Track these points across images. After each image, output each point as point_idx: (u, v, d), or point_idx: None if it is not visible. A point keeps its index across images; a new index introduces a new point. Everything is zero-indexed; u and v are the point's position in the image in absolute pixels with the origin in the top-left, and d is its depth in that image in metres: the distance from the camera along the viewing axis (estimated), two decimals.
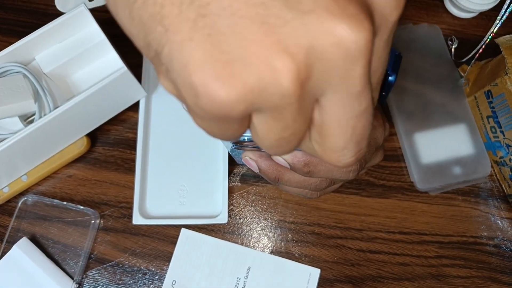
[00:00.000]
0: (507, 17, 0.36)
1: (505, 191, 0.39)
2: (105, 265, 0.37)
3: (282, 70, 0.12)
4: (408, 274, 0.37)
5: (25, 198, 0.38)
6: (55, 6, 0.45)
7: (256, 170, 0.26)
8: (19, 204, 0.38)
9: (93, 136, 0.40)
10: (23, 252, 0.36)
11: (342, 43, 0.12)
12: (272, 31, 0.12)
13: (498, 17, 0.34)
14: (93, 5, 0.45)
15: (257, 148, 0.25)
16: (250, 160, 0.26)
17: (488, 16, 0.44)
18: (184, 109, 0.15)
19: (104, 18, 0.38)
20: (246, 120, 0.14)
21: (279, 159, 0.25)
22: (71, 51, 0.38)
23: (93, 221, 0.38)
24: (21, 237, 0.37)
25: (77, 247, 0.38)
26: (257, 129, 0.15)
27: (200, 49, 0.12)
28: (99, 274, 0.37)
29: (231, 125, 0.14)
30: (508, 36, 0.35)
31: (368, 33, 0.12)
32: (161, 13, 0.12)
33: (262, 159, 0.25)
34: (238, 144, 0.25)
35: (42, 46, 0.38)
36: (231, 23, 0.12)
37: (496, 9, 0.38)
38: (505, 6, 0.33)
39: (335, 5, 0.12)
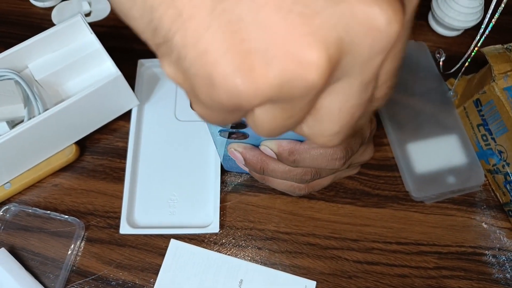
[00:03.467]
0: (490, 31, 0.38)
1: (500, 200, 0.38)
2: (87, 279, 0.35)
3: (311, 65, 0.11)
4: (407, 286, 0.35)
5: (7, 207, 0.37)
6: (50, 20, 0.46)
7: (241, 161, 0.26)
8: (0, 213, 0.36)
9: (82, 145, 0.39)
10: None
11: (376, 33, 0.11)
12: (300, 21, 0.11)
13: (482, 26, 0.35)
14: (89, 20, 0.46)
15: (243, 136, 0.25)
16: (235, 151, 0.25)
17: (472, 34, 0.46)
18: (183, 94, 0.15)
19: (100, 32, 0.39)
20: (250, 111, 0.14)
21: (266, 149, 0.24)
22: (65, 60, 0.38)
23: (77, 232, 0.36)
24: None
25: (58, 259, 0.35)
26: (259, 118, 0.14)
27: (219, 38, 0.11)
28: None
29: (236, 115, 0.14)
30: (492, 46, 0.36)
31: (401, 23, 0.11)
32: None
33: (247, 150, 0.25)
34: (225, 132, 0.24)
35: (36, 54, 0.38)
36: (254, 10, 0.11)
37: (479, 27, 0.40)
38: (488, 16, 0.35)
39: None
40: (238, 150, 0.25)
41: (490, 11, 0.34)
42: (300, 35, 0.11)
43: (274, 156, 0.24)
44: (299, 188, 0.28)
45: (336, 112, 0.14)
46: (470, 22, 0.43)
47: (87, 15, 0.46)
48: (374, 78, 0.13)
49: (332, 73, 0.12)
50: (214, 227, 0.35)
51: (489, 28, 0.37)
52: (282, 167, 0.25)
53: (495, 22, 0.38)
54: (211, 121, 0.15)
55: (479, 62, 0.38)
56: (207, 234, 0.36)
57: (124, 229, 0.35)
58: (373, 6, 0.11)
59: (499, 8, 0.36)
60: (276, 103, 0.13)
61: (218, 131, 0.25)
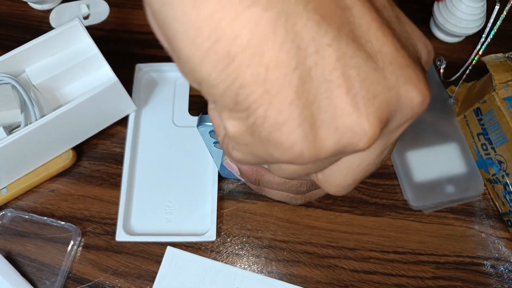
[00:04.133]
0: (492, 39, 0.37)
1: (499, 209, 0.38)
2: (83, 285, 0.35)
3: (364, 135, 0.13)
4: None
5: (3, 212, 0.36)
6: (49, 23, 0.45)
7: (237, 172, 0.26)
8: None
9: (80, 150, 0.39)
10: None
11: (413, 110, 0.14)
12: (363, 102, 0.13)
13: (483, 35, 0.34)
14: (88, 23, 0.46)
15: None
16: (231, 162, 0.25)
17: (473, 41, 0.45)
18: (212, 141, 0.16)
19: (98, 35, 0.38)
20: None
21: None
22: (62, 64, 0.38)
23: (73, 238, 0.36)
24: None
25: (54, 266, 0.35)
26: (282, 168, 0.16)
27: (297, 112, 0.13)
28: None
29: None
30: (493, 55, 0.36)
31: (429, 98, 0.14)
32: (265, 76, 0.12)
33: None
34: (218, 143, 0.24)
35: (33, 59, 0.38)
36: (329, 91, 0.13)
37: (481, 33, 0.40)
38: (489, 24, 0.34)
39: (415, 77, 0.13)
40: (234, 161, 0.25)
41: (491, 20, 0.33)
42: (363, 113, 0.13)
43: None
44: (295, 198, 0.28)
45: (354, 167, 0.16)
46: (472, 29, 0.42)
47: (86, 18, 0.46)
48: (394, 143, 0.15)
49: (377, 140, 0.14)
50: (210, 235, 0.35)
51: (490, 36, 0.37)
52: (277, 179, 0.24)
53: (498, 29, 0.37)
54: (244, 163, 0.17)
55: (481, 69, 0.37)
56: (203, 242, 0.36)
57: (120, 236, 0.35)
58: (414, 90, 0.14)
59: (501, 15, 0.36)
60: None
61: (213, 143, 0.24)
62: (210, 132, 0.25)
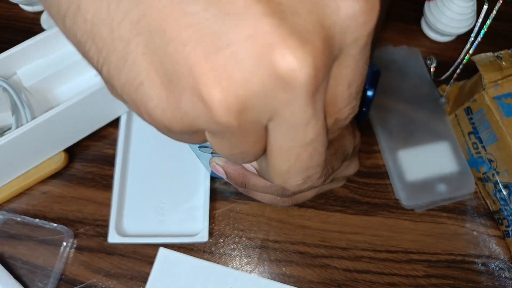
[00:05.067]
0: (483, 38, 0.38)
1: (490, 207, 0.38)
2: (76, 287, 0.35)
3: (213, 103, 0.11)
4: None
5: None
6: (40, 25, 0.45)
7: (223, 175, 0.26)
8: None
9: (72, 152, 0.39)
10: None
11: (280, 76, 0.11)
12: (208, 58, 0.11)
13: (472, 34, 0.35)
14: None
15: None
16: (217, 165, 0.26)
17: (465, 40, 0.45)
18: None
19: None
20: (197, 133, 0.14)
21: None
22: (54, 66, 0.38)
23: (66, 240, 0.36)
24: None
25: (47, 268, 0.35)
26: (210, 143, 0.15)
27: (145, 67, 0.12)
28: None
29: (180, 136, 0.15)
30: (483, 54, 0.36)
31: (310, 65, 0.11)
32: (93, 31, 0.12)
33: (228, 164, 0.25)
34: (203, 147, 0.25)
35: (24, 61, 0.38)
36: (167, 40, 0.11)
37: (472, 32, 0.40)
38: (478, 24, 0.35)
39: (275, 34, 0.11)
40: (219, 164, 0.25)
41: (480, 20, 0.33)
42: (207, 70, 0.11)
43: (255, 171, 0.24)
44: (282, 201, 0.28)
45: (277, 150, 0.14)
46: (462, 28, 0.42)
47: None
48: (310, 120, 0.13)
49: (243, 111, 0.12)
50: (203, 236, 0.35)
51: (480, 36, 0.37)
52: (263, 182, 0.25)
53: (489, 28, 0.38)
54: (175, 139, 0.16)
55: (472, 67, 0.38)
56: (196, 243, 0.36)
57: (113, 237, 0.35)
58: (277, 47, 0.11)
59: (491, 15, 0.36)
60: (208, 132, 0.14)
61: (198, 147, 0.25)
62: None
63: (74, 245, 0.36)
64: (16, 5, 0.46)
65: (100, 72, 0.13)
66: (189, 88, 0.11)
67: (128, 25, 0.11)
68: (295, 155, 0.14)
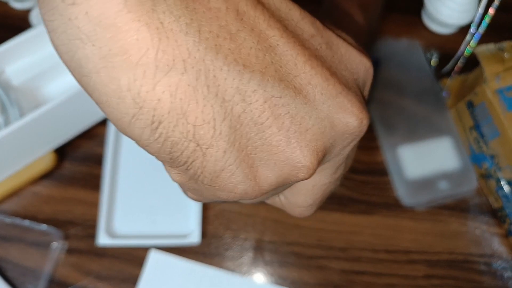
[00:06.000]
0: (487, 29, 0.36)
1: (493, 205, 0.37)
2: None
3: (302, 167, 0.14)
4: None
5: None
6: (29, 22, 0.44)
7: None
8: None
9: (62, 151, 0.38)
10: None
11: (350, 134, 0.15)
12: (295, 137, 0.14)
13: (472, 26, 0.33)
14: None
15: None
16: None
17: (467, 31, 0.44)
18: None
19: None
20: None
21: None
22: (43, 64, 0.37)
23: (56, 241, 0.35)
24: None
25: (37, 270, 0.35)
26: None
27: (234, 157, 0.13)
28: None
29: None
30: (484, 46, 0.35)
31: (367, 120, 0.15)
32: (194, 132, 0.12)
33: None
34: None
35: (13, 58, 0.37)
36: (260, 131, 0.13)
37: (476, 24, 0.38)
38: (478, 15, 0.33)
39: (347, 103, 0.14)
40: None
41: (480, 11, 0.32)
42: (297, 147, 0.14)
43: None
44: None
45: (310, 188, 0.16)
46: (464, 19, 0.41)
47: None
48: (344, 161, 0.16)
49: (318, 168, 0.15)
50: (195, 237, 0.34)
51: (482, 27, 0.36)
52: None
53: (493, 19, 0.36)
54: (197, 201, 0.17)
55: (476, 60, 0.36)
56: (188, 244, 0.35)
57: (102, 239, 0.34)
58: (348, 115, 0.14)
59: (493, 4, 0.34)
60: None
61: None
62: None
63: (65, 247, 0.36)
64: (5, 1, 0.45)
65: (184, 164, 0.13)
66: (279, 162, 0.14)
67: (228, 123, 0.13)
68: (323, 190, 0.17)
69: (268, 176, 0.14)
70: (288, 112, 0.13)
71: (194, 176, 0.14)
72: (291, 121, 0.13)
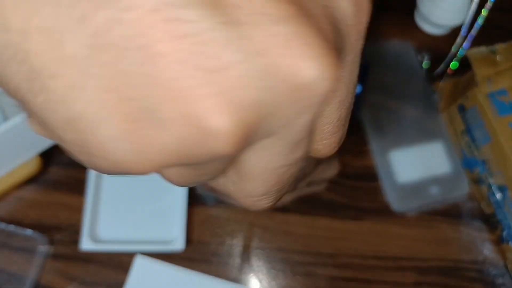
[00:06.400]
0: (482, 29, 0.35)
1: (484, 210, 0.36)
2: None
3: (218, 134, 0.09)
4: None
5: None
6: None
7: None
8: None
9: (48, 156, 0.38)
10: None
11: (301, 92, 0.09)
12: (206, 78, 0.08)
13: (463, 27, 0.32)
14: None
15: None
16: None
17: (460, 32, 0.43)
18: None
19: None
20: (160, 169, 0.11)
21: None
22: None
23: (41, 247, 0.35)
24: None
25: (22, 276, 0.34)
26: (165, 174, 0.12)
27: (98, 99, 0.09)
28: None
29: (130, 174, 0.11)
30: (476, 48, 0.34)
31: (333, 77, 0.09)
32: (24, 44, 0.08)
33: None
34: None
35: None
36: (145, 61, 0.08)
37: (467, 25, 0.38)
38: (468, 17, 0.32)
39: (296, 42, 0.09)
40: None
41: (470, 12, 0.31)
42: (205, 96, 0.08)
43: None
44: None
45: (260, 172, 0.12)
46: (457, 20, 0.40)
47: None
48: (305, 137, 0.11)
49: (248, 139, 0.10)
50: (179, 244, 0.34)
51: (475, 28, 0.35)
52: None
53: (489, 20, 0.35)
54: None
55: (468, 63, 0.35)
56: (172, 251, 0.35)
57: (85, 244, 0.34)
58: (298, 60, 0.09)
59: (486, 6, 0.34)
60: (180, 166, 0.11)
61: None
62: None
63: (49, 252, 0.35)
64: None
65: (27, 101, 0.09)
66: (180, 121, 0.09)
67: (88, 36, 0.08)
68: (278, 175, 0.12)
69: (162, 139, 0.09)
70: (195, 35, 0.08)
71: (47, 127, 0.09)
72: (198, 50, 0.08)
